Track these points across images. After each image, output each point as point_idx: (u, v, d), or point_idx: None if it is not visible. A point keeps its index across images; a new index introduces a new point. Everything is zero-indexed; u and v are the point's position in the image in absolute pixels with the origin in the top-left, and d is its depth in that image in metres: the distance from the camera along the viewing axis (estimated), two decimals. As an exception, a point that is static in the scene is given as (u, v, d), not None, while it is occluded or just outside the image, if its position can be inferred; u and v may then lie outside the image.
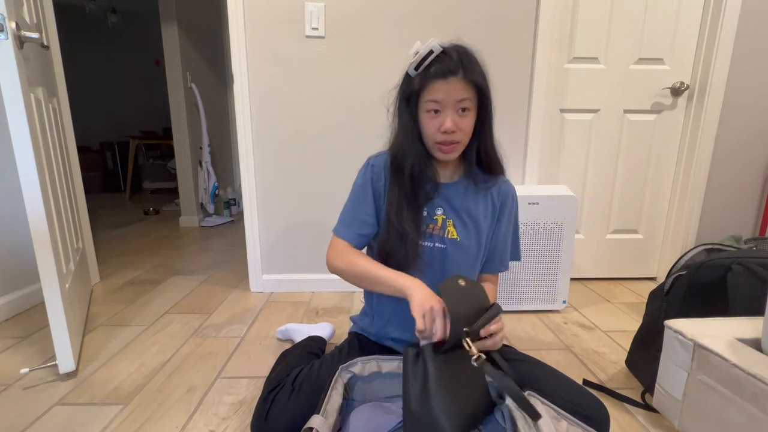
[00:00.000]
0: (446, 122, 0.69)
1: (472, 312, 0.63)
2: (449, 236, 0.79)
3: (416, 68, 0.69)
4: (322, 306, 1.49)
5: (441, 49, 0.68)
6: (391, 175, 0.77)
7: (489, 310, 0.63)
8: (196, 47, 2.85)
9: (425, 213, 0.78)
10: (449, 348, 0.60)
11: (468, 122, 0.71)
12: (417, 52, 0.69)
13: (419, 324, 0.60)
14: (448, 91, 0.68)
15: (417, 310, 0.62)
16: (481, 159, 0.79)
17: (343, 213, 0.83)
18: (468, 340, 0.58)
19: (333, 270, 0.80)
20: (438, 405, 0.54)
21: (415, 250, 0.75)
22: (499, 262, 0.85)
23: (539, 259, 1.41)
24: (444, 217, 0.79)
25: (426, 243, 0.78)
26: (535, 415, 0.55)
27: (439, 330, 0.61)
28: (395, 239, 0.74)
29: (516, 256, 0.89)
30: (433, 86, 0.68)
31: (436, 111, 0.70)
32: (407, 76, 0.73)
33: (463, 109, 0.70)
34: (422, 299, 0.63)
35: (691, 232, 1.68)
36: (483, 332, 0.63)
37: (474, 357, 0.57)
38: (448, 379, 0.57)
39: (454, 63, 0.67)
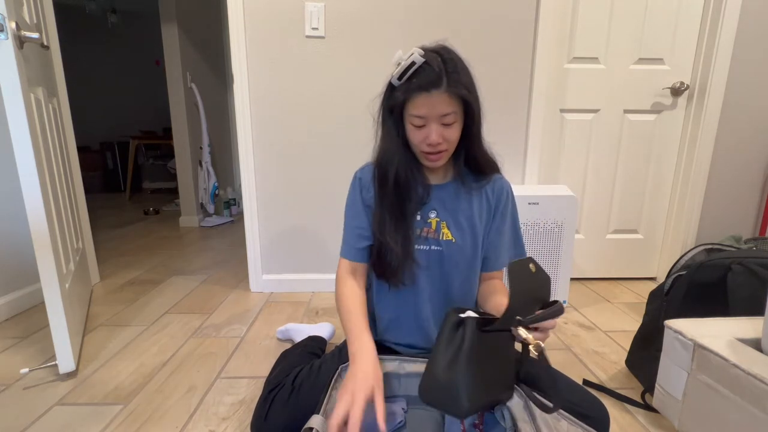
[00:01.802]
0: (431, 136, 0.68)
1: (531, 301, 0.60)
2: (444, 238, 0.78)
3: (399, 78, 0.68)
4: (322, 306, 1.49)
5: (423, 61, 0.65)
6: (377, 184, 0.76)
7: (552, 307, 0.59)
8: (196, 47, 2.85)
9: (418, 217, 0.77)
10: (495, 329, 0.57)
11: (454, 132, 0.70)
12: (399, 63, 0.67)
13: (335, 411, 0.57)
14: (432, 105, 0.66)
15: (339, 400, 0.58)
16: (470, 162, 0.78)
17: (344, 230, 0.83)
18: (521, 328, 0.55)
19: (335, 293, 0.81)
20: (462, 378, 0.53)
21: (406, 259, 0.75)
22: (494, 260, 0.83)
23: (539, 259, 1.41)
24: (438, 219, 0.78)
25: (422, 246, 0.78)
26: (548, 409, 0.54)
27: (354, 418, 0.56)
28: (385, 248, 0.75)
29: (520, 255, 0.85)
30: (416, 100, 0.67)
31: (420, 125, 0.69)
32: (390, 86, 0.71)
33: (447, 124, 0.68)
34: (344, 406, 0.58)
35: (691, 232, 1.68)
36: (535, 325, 0.61)
37: (532, 345, 0.54)
38: (482, 357, 0.55)
39: (436, 75, 0.65)
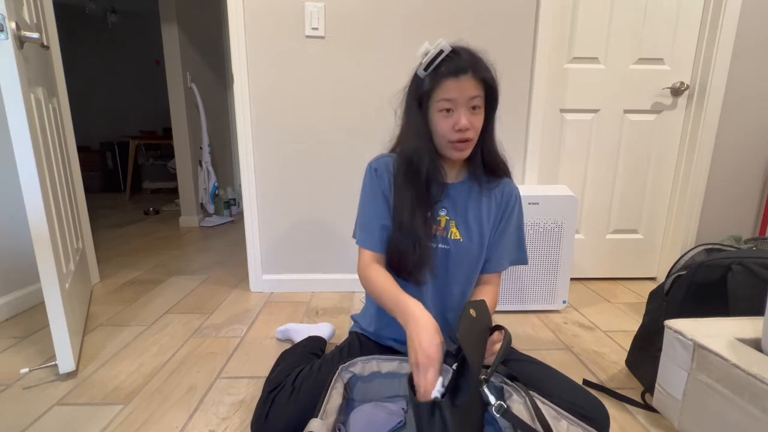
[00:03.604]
0: (461, 120, 0.69)
1: (483, 341, 0.63)
2: (452, 237, 0.79)
3: (426, 69, 0.70)
4: (322, 306, 1.49)
5: (450, 49, 0.68)
6: (402, 177, 0.76)
7: (503, 345, 0.62)
8: (196, 47, 2.85)
9: (429, 214, 0.78)
10: (466, 399, 0.59)
11: (479, 120, 0.72)
12: (426, 53, 0.69)
13: (415, 379, 0.60)
14: (461, 89, 0.68)
15: (413, 358, 0.61)
16: (485, 159, 0.79)
17: (362, 221, 0.81)
18: (486, 389, 0.57)
19: (360, 282, 0.80)
20: None
21: (428, 252, 0.75)
22: (495, 263, 0.84)
23: (539, 259, 1.41)
24: (447, 218, 0.79)
25: (431, 244, 0.78)
26: None
27: (428, 387, 0.58)
28: (408, 242, 0.74)
29: (521, 259, 0.87)
30: (445, 85, 0.69)
31: (449, 110, 0.70)
32: (416, 77, 0.73)
33: (474, 108, 0.70)
34: (418, 344, 0.61)
35: (691, 232, 1.68)
36: (488, 354, 0.64)
37: (495, 406, 0.56)
38: (466, 426, 0.57)
39: (464, 61, 0.68)
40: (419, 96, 0.72)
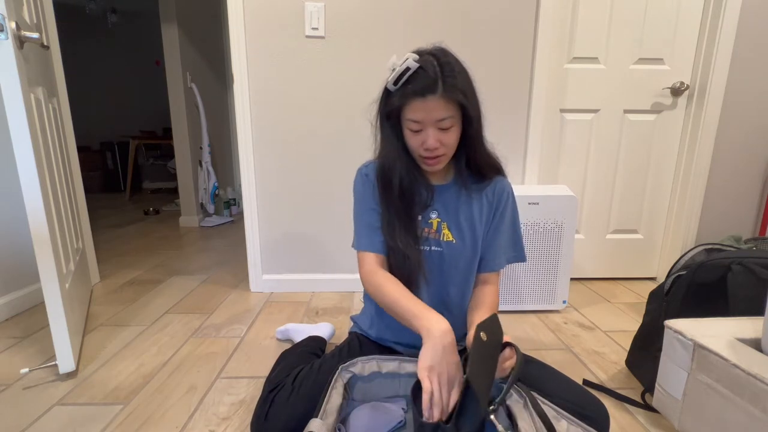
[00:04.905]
0: (428, 141, 0.67)
1: (492, 365, 0.61)
2: (445, 239, 0.78)
3: (394, 84, 0.67)
4: (322, 306, 1.49)
5: (417, 66, 0.64)
6: (381, 188, 0.76)
7: (515, 369, 0.59)
8: (196, 47, 2.85)
9: (419, 217, 0.77)
10: (472, 429, 0.57)
11: (451, 137, 0.69)
12: (394, 68, 0.66)
13: (425, 387, 0.56)
14: (427, 110, 0.65)
15: (422, 371, 0.58)
16: (470, 166, 0.78)
17: (358, 225, 0.80)
18: (495, 418, 0.55)
19: (367, 290, 0.78)
20: None
21: (417, 260, 0.74)
22: (491, 261, 0.82)
23: (539, 259, 1.41)
24: (439, 220, 0.79)
25: (423, 247, 0.77)
26: None
27: (442, 407, 0.56)
28: (394, 253, 0.74)
29: (519, 257, 0.85)
30: (412, 105, 0.66)
31: (417, 130, 0.69)
32: (386, 91, 0.71)
33: (444, 128, 0.68)
34: (431, 357, 0.58)
35: (691, 232, 1.68)
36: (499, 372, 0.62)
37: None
38: None
39: (432, 80, 0.64)
40: (388, 112, 0.71)
